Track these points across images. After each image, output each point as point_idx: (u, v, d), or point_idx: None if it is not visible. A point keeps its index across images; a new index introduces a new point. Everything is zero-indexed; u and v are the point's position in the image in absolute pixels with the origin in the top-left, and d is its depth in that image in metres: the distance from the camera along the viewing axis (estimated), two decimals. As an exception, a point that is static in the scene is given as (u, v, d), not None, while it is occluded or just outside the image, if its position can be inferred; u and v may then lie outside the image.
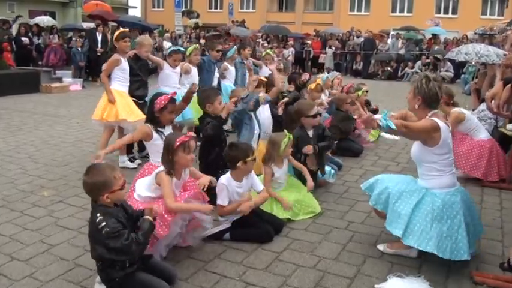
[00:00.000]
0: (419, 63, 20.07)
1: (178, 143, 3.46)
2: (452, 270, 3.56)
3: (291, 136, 4.60)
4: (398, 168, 6.19)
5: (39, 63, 16.23)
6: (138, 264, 3.09)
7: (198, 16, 31.34)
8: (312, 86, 6.84)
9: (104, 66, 6.11)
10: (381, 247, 3.86)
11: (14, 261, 3.58)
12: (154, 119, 4.36)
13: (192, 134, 3.66)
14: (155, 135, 4.30)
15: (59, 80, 14.38)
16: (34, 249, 3.77)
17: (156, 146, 4.23)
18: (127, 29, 6.83)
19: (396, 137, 7.98)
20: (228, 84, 7.72)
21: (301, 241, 4.00)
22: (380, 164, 6.51)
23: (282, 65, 17.28)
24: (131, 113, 5.97)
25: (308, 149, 5.07)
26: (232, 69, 7.93)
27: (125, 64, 6.05)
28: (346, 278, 3.44)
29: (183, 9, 30.81)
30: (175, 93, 4.49)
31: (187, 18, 29.80)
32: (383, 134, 8.31)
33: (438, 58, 19.05)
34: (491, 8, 35.02)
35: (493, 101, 4.05)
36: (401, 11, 37.99)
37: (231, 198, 3.97)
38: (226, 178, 4.00)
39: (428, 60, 19.88)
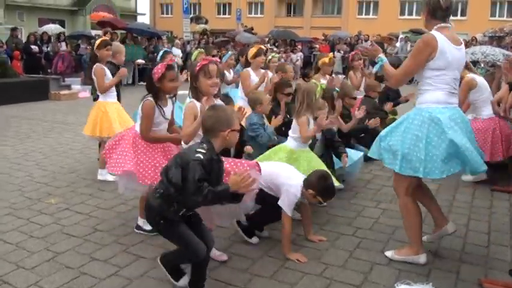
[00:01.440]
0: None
1: (198, 67, 3.55)
2: (461, 277, 3.51)
3: (323, 86, 4.55)
4: (407, 173, 6.12)
5: (49, 70, 16.37)
6: (187, 218, 3.09)
7: (206, 22, 31.51)
8: (326, 60, 6.66)
9: (99, 82, 5.82)
10: (388, 254, 3.81)
11: (20, 270, 3.57)
12: (155, 90, 3.99)
13: None
14: (156, 111, 4.00)
15: (68, 87, 14.48)
16: (39, 257, 3.76)
17: (155, 124, 4.04)
18: (107, 38, 6.72)
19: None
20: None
21: (308, 248, 3.96)
22: (388, 168, 6.41)
23: (290, 69, 17.22)
24: (123, 125, 5.70)
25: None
26: (227, 75, 7.68)
27: (108, 73, 5.87)
28: (353, 285, 3.39)
29: (192, 15, 30.97)
30: (172, 59, 4.29)
31: (195, 24, 29.94)
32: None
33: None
34: (500, 10, 34.80)
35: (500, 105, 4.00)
36: (410, 13, 37.87)
37: None
38: (300, 189, 3.78)
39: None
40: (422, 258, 3.66)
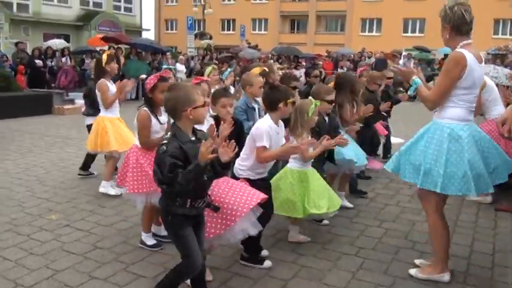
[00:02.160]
0: (431, 83, 19.92)
1: None
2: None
3: (318, 103, 4.38)
4: (411, 191, 6.07)
5: (52, 85, 16.45)
6: (198, 210, 3.01)
7: (210, 38, 31.70)
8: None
9: (104, 98, 5.81)
10: (412, 272, 3.77)
11: (18, 288, 3.53)
12: (148, 100, 4.21)
13: None
14: (153, 119, 4.17)
15: (72, 101, 14.51)
16: (39, 275, 3.72)
17: (153, 132, 4.17)
18: (113, 51, 6.70)
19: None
20: None
21: (310, 268, 3.90)
22: (392, 187, 6.39)
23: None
24: (122, 143, 5.75)
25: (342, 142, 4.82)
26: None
27: (112, 87, 5.89)
28: (356, 307, 3.33)
29: (196, 31, 31.19)
30: (166, 71, 4.38)
31: (200, 40, 30.14)
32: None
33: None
34: (503, 28, 34.96)
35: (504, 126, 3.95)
36: (413, 31, 38.07)
37: (271, 143, 3.78)
38: (266, 120, 3.84)
39: (440, 81, 19.77)
40: (446, 277, 3.63)
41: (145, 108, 4.16)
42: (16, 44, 17.61)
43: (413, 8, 36.92)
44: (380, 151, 7.73)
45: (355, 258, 4.13)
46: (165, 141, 2.80)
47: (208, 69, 6.89)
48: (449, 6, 3.42)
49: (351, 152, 5.12)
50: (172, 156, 2.74)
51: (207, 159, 2.71)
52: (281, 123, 4.00)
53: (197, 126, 3.07)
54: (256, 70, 5.93)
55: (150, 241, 4.27)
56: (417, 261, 3.95)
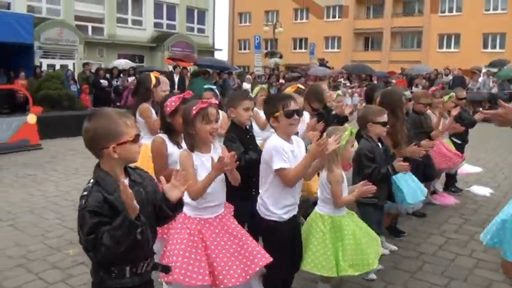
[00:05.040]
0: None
1: (194, 112, 2.86)
2: None
3: (354, 130, 3.52)
4: (490, 236, 4.99)
5: (118, 104, 16.62)
6: (143, 277, 2.23)
7: (281, 57, 31.32)
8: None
9: (149, 123, 4.92)
10: None
11: None
12: (167, 126, 3.51)
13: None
14: (170, 147, 3.46)
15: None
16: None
17: (174, 163, 3.38)
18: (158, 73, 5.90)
19: (487, 193, 6.75)
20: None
21: None
22: (466, 230, 5.27)
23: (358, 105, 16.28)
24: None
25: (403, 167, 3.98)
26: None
27: (153, 112, 5.06)
28: None
29: (268, 50, 31.01)
30: (189, 92, 3.65)
31: (269, 58, 29.88)
32: (473, 188, 7.00)
33: (537, 98, 17.10)
34: None
35: None
36: (493, 47, 35.72)
37: (289, 160, 3.02)
38: (273, 139, 3.14)
39: (526, 100, 17.96)
40: None
41: (161, 135, 3.51)
42: (83, 65, 18.06)
43: (493, 22, 34.63)
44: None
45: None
46: (85, 193, 2.06)
47: (256, 89, 6.21)
48: None
49: (405, 188, 4.38)
50: (93, 213, 2.00)
51: (135, 208, 1.98)
52: (298, 139, 3.25)
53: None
54: (289, 90, 5.10)
55: None
56: None
